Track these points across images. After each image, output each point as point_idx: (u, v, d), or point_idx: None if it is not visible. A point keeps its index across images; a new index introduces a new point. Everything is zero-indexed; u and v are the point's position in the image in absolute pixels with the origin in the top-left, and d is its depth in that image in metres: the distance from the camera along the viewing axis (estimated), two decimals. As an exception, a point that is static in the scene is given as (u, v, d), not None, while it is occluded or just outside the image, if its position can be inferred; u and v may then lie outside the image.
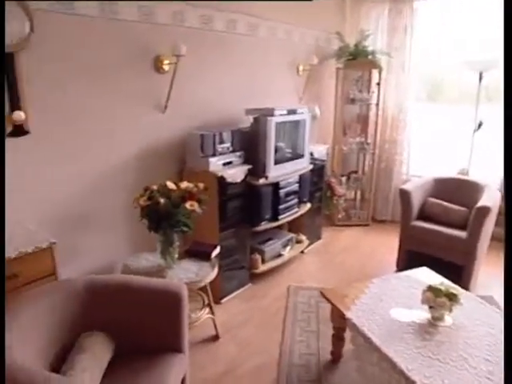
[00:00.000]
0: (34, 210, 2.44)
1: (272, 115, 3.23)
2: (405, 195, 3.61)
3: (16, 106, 2.24)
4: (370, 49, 4.44)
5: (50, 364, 1.66)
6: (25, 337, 1.56)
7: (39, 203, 2.47)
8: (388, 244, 4.22)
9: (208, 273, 2.56)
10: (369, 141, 4.78)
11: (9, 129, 2.25)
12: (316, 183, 4.21)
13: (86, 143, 2.64)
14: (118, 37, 2.67)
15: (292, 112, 3.49)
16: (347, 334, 2.37)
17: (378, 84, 4.53)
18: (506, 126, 1.62)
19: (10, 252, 1.94)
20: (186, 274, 2.53)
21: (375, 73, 4.60)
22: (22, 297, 1.75)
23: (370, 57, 4.43)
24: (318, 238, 4.42)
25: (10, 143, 2.26)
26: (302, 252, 4.08)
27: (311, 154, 3.97)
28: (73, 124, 2.55)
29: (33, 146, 2.38)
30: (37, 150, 2.40)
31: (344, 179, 4.85)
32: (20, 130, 2.29)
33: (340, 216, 4.88)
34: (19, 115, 2.25)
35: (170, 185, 2.47)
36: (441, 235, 3.40)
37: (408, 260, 3.58)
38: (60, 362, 1.67)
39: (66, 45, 2.43)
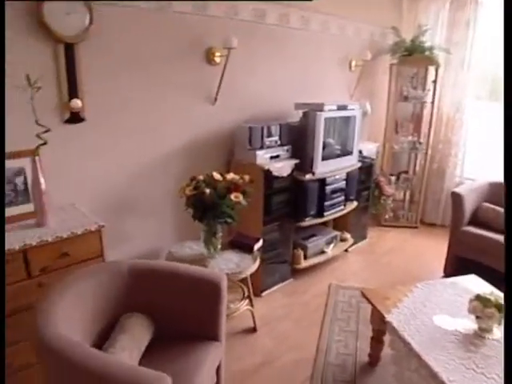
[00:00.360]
0: (87, 194, 2.56)
1: (321, 110, 3.19)
2: (457, 198, 3.47)
3: (74, 94, 2.34)
4: (427, 44, 4.26)
5: (93, 341, 1.74)
6: (70, 312, 1.63)
7: (91, 188, 2.58)
8: (436, 248, 4.06)
9: (249, 265, 2.58)
10: (421, 140, 4.61)
11: (66, 116, 2.36)
12: (364, 181, 4.13)
13: (136, 132, 2.72)
14: (171, 28, 2.73)
15: (342, 108, 3.43)
16: (386, 338, 2.32)
17: (434, 81, 4.36)
18: (506, 126, 1.57)
19: (62, 232, 2.05)
20: (227, 264, 2.56)
21: (432, 69, 4.42)
22: (71, 275, 1.83)
23: (426, 53, 4.26)
24: (364, 237, 4.34)
25: (66, 130, 2.38)
26: (346, 250, 4.02)
27: (360, 152, 3.89)
28: (125, 113, 2.63)
29: (87, 133, 2.48)
30: (90, 137, 2.50)
31: (393, 179, 4.71)
32: (76, 118, 2.40)
33: (387, 216, 4.76)
34: (76, 103, 2.35)
35: (216, 175, 2.51)
36: (495, 243, 3.22)
37: (456, 266, 3.45)
38: (102, 339, 1.75)
39: (121, 36, 2.50)
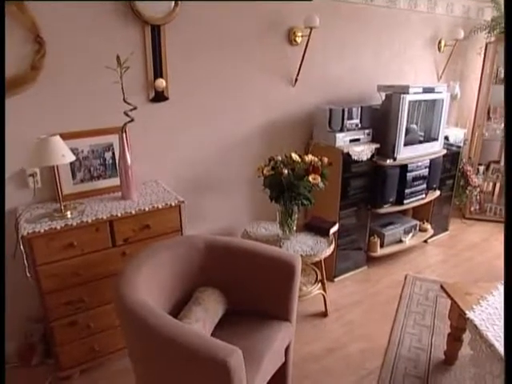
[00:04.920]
0: (168, 170, 2.65)
1: (406, 93, 3.02)
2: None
3: (159, 74, 2.43)
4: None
5: (169, 310, 1.80)
6: (150, 281, 1.70)
7: (172, 165, 2.67)
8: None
9: (324, 248, 2.54)
10: (517, 127, 4.22)
11: (151, 95, 2.45)
12: (448, 170, 3.88)
13: (216, 111, 2.75)
14: (252, 8, 2.70)
15: (428, 90, 3.22)
16: (466, 336, 2.16)
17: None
18: (507, 126, 1.49)
19: (145, 205, 2.15)
20: (301, 246, 2.55)
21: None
22: (152, 245, 1.91)
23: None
24: (445, 229, 4.10)
25: (151, 108, 2.48)
26: (425, 242, 3.83)
27: (446, 138, 3.65)
28: (206, 93, 2.67)
29: (170, 112, 2.55)
30: (173, 115, 2.57)
31: (482, 169, 4.37)
32: (161, 97, 2.48)
33: (472, 209, 4.44)
34: (161, 82, 2.43)
35: (295, 157, 2.48)
36: None
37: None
38: (177, 309, 1.81)
39: (203, 17, 2.52)
